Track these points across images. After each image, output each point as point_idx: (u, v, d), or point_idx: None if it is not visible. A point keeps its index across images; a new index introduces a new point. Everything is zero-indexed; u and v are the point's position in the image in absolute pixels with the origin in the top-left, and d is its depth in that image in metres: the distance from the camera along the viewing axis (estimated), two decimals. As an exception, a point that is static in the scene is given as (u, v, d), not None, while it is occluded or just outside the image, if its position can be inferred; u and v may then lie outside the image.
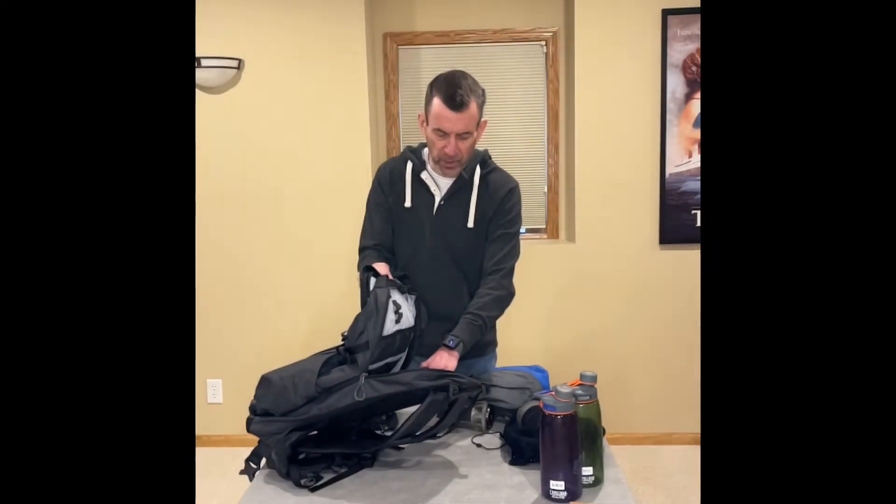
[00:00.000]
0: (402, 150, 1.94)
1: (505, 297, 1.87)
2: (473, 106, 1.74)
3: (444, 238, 1.86)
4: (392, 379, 1.47)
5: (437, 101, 1.73)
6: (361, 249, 1.90)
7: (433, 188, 1.86)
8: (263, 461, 1.53)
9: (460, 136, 1.75)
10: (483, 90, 1.80)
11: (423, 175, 1.86)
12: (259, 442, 1.52)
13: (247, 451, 1.57)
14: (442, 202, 1.86)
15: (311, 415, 1.46)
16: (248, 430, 1.53)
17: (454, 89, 1.71)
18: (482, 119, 1.81)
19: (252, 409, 1.55)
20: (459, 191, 1.85)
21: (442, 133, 1.75)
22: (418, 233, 1.87)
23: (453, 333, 1.71)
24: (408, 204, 1.87)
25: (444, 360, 1.65)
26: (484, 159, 1.89)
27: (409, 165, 1.88)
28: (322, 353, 1.57)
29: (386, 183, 1.90)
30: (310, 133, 3.29)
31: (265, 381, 1.54)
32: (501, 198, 1.87)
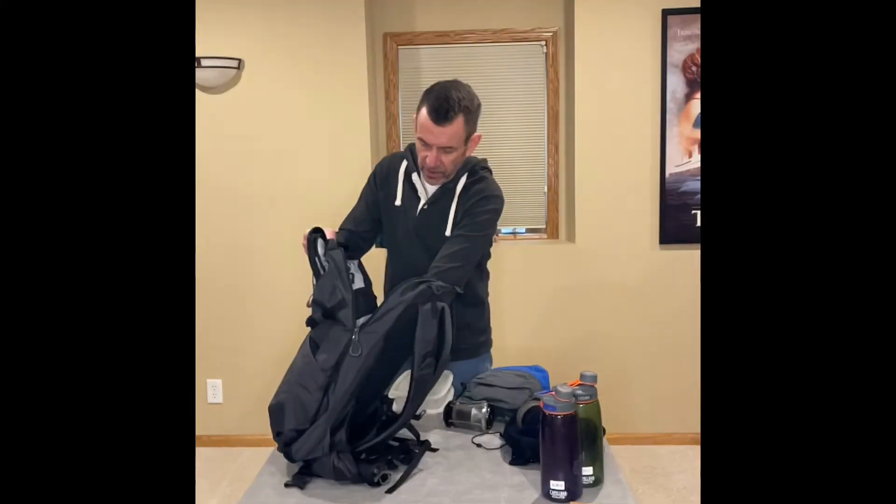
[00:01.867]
0: (403, 149, 1.95)
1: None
2: (459, 121, 1.68)
3: (422, 241, 1.85)
4: (379, 315, 1.48)
5: (423, 111, 1.70)
6: (339, 230, 1.92)
7: (420, 191, 1.85)
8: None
9: (443, 149, 1.72)
10: (479, 104, 1.75)
11: (414, 177, 1.86)
12: (308, 463, 1.48)
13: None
14: (425, 206, 1.84)
15: (337, 400, 1.44)
16: (296, 460, 1.47)
17: (441, 101, 1.67)
18: (475, 133, 1.77)
19: (284, 442, 1.49)
20: (442, 198, 1.83)
21: (424, 143, 1.73)
22: (403, 231, 1.88)
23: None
24: (398, 202, 1.88)
25: None
26: (474, 169, 1.83)
27: (404, 165, 1.88)
28: (299, 350, 1.56)
29: (381, 177, 1.92)
30: (310, 133, 3.28)
31: (276, 409, 1.50)
32: (474, 203, 1.79)
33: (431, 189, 1.85)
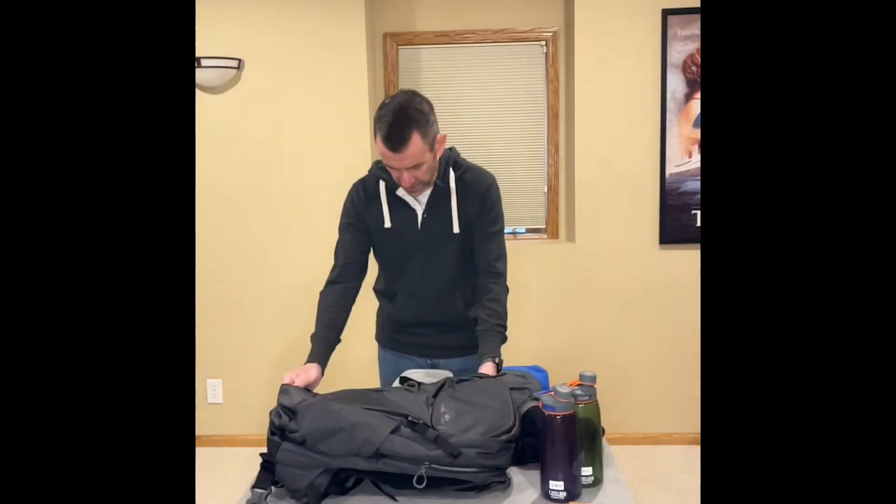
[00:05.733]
0: (370, 168, 1.87)
1: (506, 299, 1.89)
2: (415, 139, 1.61)
3: (433, 250, 1.81)
4: (458, 471, 1.34)
5: (378, 141, 1.64)
6: (332, 269, 1.88)
7: (413, 203, 1.79)
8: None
9: (410, 168, 1.67)
10: (430, 108, 1.67)
11: (400, 192, 1.78)
12: (276, 464, 1.37)
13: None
14: (425, 215, 1.80)
15: (357, 466, 1.35)
16: (275, 458, 1.36)
17: (391, 129, 1.61)
18: (437, 135, 1.70)
19: (282, 429, 1.38)
20: (441, 199, 1.79)
21: (391, 167, 1.69)
22: (404, 252, 1.83)
23: (492, 352, 1.76)
24: (387, 225, 1.81)
25: (490, 371, 1.70)
26: (455, 161, 1.82)
27: (382, 184, 1.80)
28: (379, 402, 1.43)
29: (360, 202, 1.84)
30: (310, 133, 3.29)
31: (313, 410, 1.38)
32: (483, 196, 1.81)
33: (423, 197, 1.80)
